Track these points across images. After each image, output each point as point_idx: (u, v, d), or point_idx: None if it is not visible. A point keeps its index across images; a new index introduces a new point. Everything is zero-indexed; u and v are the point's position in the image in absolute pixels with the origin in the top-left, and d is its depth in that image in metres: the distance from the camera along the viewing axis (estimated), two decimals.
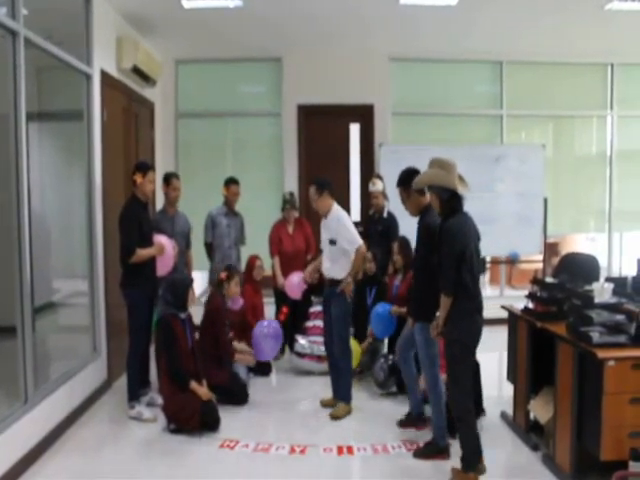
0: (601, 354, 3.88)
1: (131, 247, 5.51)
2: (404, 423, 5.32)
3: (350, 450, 4.93)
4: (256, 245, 7.40)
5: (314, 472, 4.61)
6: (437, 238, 4.38)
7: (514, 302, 5.64)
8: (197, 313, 5.94)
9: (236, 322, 6.48)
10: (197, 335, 5.86)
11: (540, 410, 4.81)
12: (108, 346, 6.42)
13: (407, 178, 4.82)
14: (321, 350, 6.46)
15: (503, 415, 5.54)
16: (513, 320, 5.37)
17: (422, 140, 8.99)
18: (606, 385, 3.88)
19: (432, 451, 4.76)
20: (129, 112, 7.44)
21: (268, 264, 7.30)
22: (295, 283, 6.84)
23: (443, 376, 4.76)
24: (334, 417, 5.60)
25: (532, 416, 5.03)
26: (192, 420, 5.19)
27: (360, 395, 6.11)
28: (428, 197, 4.69)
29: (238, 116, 9.18)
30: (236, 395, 5.98)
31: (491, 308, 6.60)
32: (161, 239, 5.87)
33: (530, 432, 5.02)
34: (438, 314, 4.39)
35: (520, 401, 5.16)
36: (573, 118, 9.63)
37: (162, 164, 8.53)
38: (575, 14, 7.32)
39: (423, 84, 9.38)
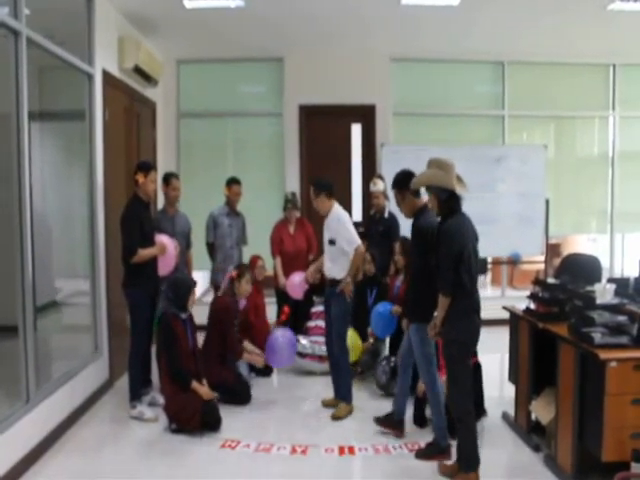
0: (603, 355, 3.87)
1: (133, 247, 5.51)
2: (381, 421, 5.26)
3: (351, 450, 4.93)
4: (257, 245, 7.40)
5: (315, 472, 4.61)
6: (432, 239, 4.44)
7: (515, 303, 5.66)
8: (199, 313, 5.93)
9: (238, 322, 6.48)
10: (202, 335, 5.86)
11: (542, 411, 4.81)
12: (110, 346, 6.43)
13: (402, 180, 4.86)
14: (323, 350, 6.45)
15: (505, 416, 5.54)
16: (515, 321, 5.37)
17: (423, 140, 8.98)
18: (608, 386, 3.87)
19: (434, 451, 4.76)
20: (131, 112, 7.44)
21: (270, 264, 7.30)
22: (296, 283, 6.83)
23: (443, 377, 4.76)
24: (335, 418, 5.60)
25: (534, 417, 5.02)
26: (193, 420, 5.19)
27: (361, 395, 6.12)
28: (422, 199, 4.78)
29: (240, 116, 9.18)
30: (239, 395, 5.99)
31: (493, 309, 6.67)
32: (163, 239, 5.88)
33: (532, 433, 5.01)
34: (436, 314, 4.39)
35: (522, 402, 5.16)
36: (575, 119, 9.62)
37: (164, 164, 8.54)
38: (577, 14, 7.31)
39: (425, 84, 9.37)
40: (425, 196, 4.63)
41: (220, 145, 9.33)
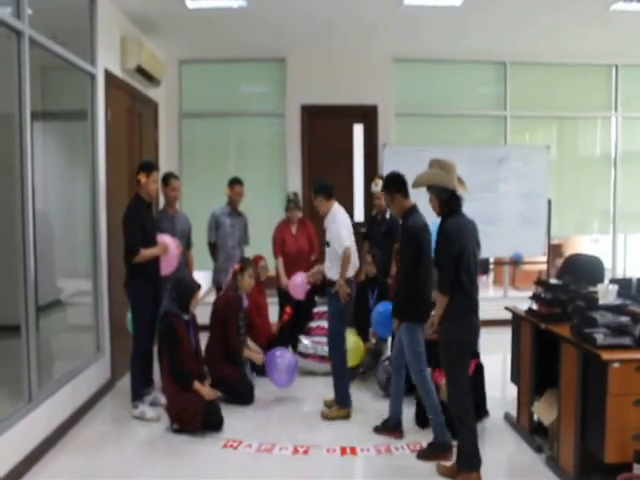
0: (606, 356, 3.87)
1: (135, 247, 5.52)
2: (380, 429, 5.27)
3: (353, 451, 4.93)
4: (259, 245, 7.39)
5: (317, 472, 4.62)
6: (421, 238, 4.75)
7: (518, 303, 5.64)
8: (201, 313, 5.94)
9: (243, 316, 6.47)
10: (204, 335, 5.87)
11: (544, 412, 4.80)
12: (111, 345, 6.44)
13: (392, 182, 5.04)
14: (324, 350, 6.45)
15: (507, 416, 5.54)
16: (517, 321, 5.36)
17: (426, 141, 8.97)
18: (610, 387, 3.87)
19: (435, 450, 4.77)
20: (133, 112, 7.45)
21: (272, 264, 7.29)
22: (299, 283, 6.82)
23: (443, 380, 4.79)
24: (324, 416, 5.64)
25: (536, 418, 5.02)
26: (195, 420, 5.19)
27: (363, 396, 6.12)
28: (411, 200, 4.96)
29: (242, 116, 9.18)
30: (242, 395, 6.00)
31: (495, 309, 6.67)
32: (165, 239, 5.88)
33: (534, 434, 5.01)
34: (434, 313, 4.44)
35: (524, 403, 5.15)
36: (577, 119, 9.61)
37: (166, 164, 8.53)
38: (579, 15, 7.31)
39: (427, 85, 9.37)
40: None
41: (222, 145, 9.33)
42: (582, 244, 10.95)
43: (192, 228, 6.74)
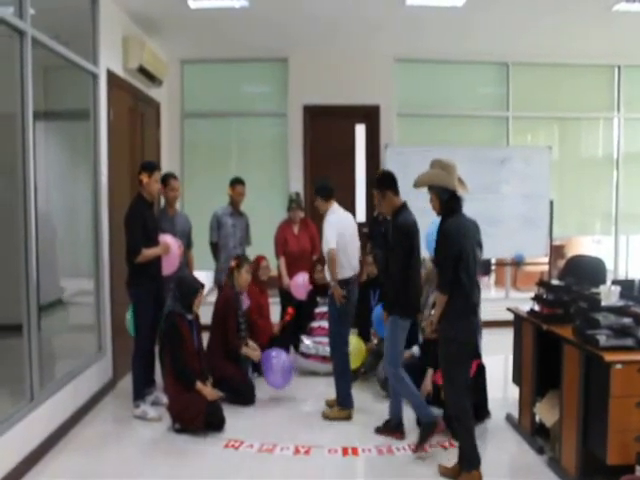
0: (608, 357, 3.86)
1: (137, 247, 5.52)
2: (381, 430, 5.27)
3: (355, 451, 4.93)
4: (261, 245, 7.39)
5: (319, 473, 4.62)
6: (412, 235, 4.93)
7: (519, 304, 5.64)
8: (203, 314, 5.92)
9: (242, 312, 6.46)
10: (207, 335, 5.87)
11: (546, 413, 4.80)
12: (113, 345, 6.44)
13: (382, 180, 5.14)
14: (326, 351, 6.46)
15: (509, 418, 5.53)
16: (519, 322, 5.36)
17: (428, 141, 8.96)
18: (613, 388, 3.86)
19: (426, 430, 4.90)
20: (135, 112, 7.45)
21: (274, 264, 7.29)
22: (300, 283, 6.83)
23: None
24: (324, 416, 5.66)
25: (538, 419, 5.01)
26: (197, 420, 5.19)
27: (365, 396, 6.12)
28: (401, 198, 5.08)
29: (244, 116, 9.17)
30: (243, 395, 5.99)
31: (496, 310, 6.66)
32: (167, 238, 5.88)
33: (536, 435, 5.00)
34: (433, 312, 4.49)
35: (526, 404, 5.14)
36: (579, 120, 9.60)
37: (167, 164, 8.54)
38: (582, 16, 7.30)
39: (429, 85, 9.36)
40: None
41: (224, 145, 9.32)
42: (584, 245, 10.93)
43: (192, 228, 6.74)
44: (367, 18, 7.42)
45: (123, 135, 6.91)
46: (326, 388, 6.20)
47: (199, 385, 5.32)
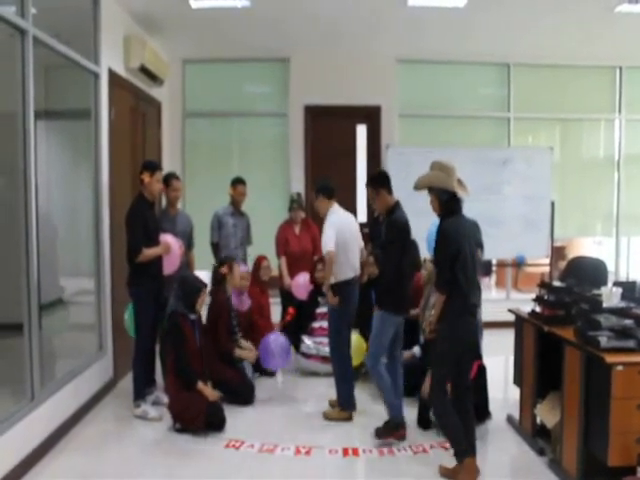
0: (609, 359, 3.85)
1: (138, 246, 5.52)
2: (381, 432, 5.22)
3: (355, 452, 4.92)
4: (262, 245, 7.39)
5: (319, 473, 4.61)
6: (405, 234, 5.06)
7: (520, 305, 5.63)
8: (204, 313, 5.93)
9: (243, 323, 6.48)
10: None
11: (547, 414, 4.79)
12: (114, 345, 6.44)
13: (376, 178, 5.28)
14: (326, 351, 6.43)
15: (509, 419, 5.53)
16: (520, 323, 5.35)
17: (429, 142, 8.97)
18: (614, 390, 3.85)
19: (391, 428, 5.07)
20: (136, 111, 7.44)
21: (275, 264, 7.28)
22: (301, 284, 6.84)
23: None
24: (325, 416, 5.66)
25: (538, 420, 5.00)
26: (197, 420, 5.19)
27: (365, 397, 6.11)
28: (394, 197, 5.18)
29: (245, 116, 9.18)
30: (242, 395, 5.98)
31: (497, 311, 6.65)
32: (167, 238, 5.88)
33: (536, 436, 4.99)
34: (432, 312, 4.59)
35: (526, 405, 5.14)
36: (581, 121, 9.60)
37: (169, 163, 8.53)
38: (584, 17, 7.31)
39: (430, 86, 9.37)
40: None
41: (225, 145, 9.32)
42: (585, 246, 10.93)
43: (194, 228, 6.73)
44: (369, 18, 7.42)
45: (124, 134, 6.91)
46: (327, 389, 6.20)
47: (200, 385, 5.32)
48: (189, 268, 6.58)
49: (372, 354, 5.14)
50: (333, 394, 5.76)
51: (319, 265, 6.92)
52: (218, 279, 6.29)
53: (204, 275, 7.36)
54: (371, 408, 5.82)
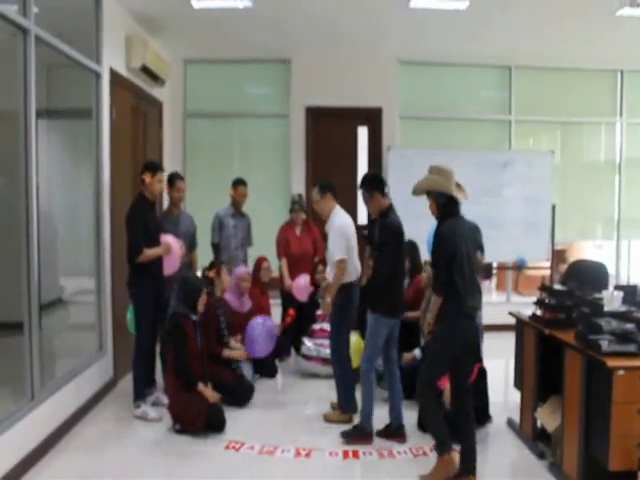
0: (611, 363, 3.84)
1: (138, 246, 5.51)
2: (382, 434, 5.26)
3: (356, 454, 4.91)
4: (262, 246, 7.38)
5: (319, 475, 4.60)
6: (399, 236, 5.11)
7: (521, 308, 5.62)
8: None
9: (244, 324, 6.45)
10: None
11: (547, 418, 4.78)
12: (114, 345, 6.43)
13: (370, 181, 5.28)
14: (327, 353, 6.43)
15: (510, 422, 5.51)
16: (520, 326, 5.35)
17: (430, 144, 8.99)
18: (615, 394, 3.83)
19: (358, 434, 5.13)
20: (138, 111, 7.44)
21: (275, 266, 7.28)
22: (302, 286, 6.83)
23: (446, 385, 4.89)
24: (325, 418, 5.65)
25: (539, 424, 4.99)
26: (197, 421, 5.18)
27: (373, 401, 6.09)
28: (388, 200, 5.22)
29: (246, 117, 9.18)
30: (239, 395, 5.96)
31: (498, 314, 6.65)
32: (168, 239, 5.86)
33: (537, 440, 4.98)
34: (429, 315, 4.60)
35: (527, 408, 5.13)
36: (582, 125, 9.60)
37: (170, 164, 8.52)
38: (585, 20, 7.30)
39: (432, 88, 9.38)
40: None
41: (226, 146, 9.32)
42: (585, 250, 10.92)
43: (197, 229, 6.72)
44: (370, 20, 7.41)
45: (125, 134, 6.91)
46: (327, 390, 6.20)
47: (201, 387, 5.31)
48: (192, 268, 6.57)
49: (367, 357, 5.16)
50: (334, 396, 5.75)
51: (320, 267, 6.91)
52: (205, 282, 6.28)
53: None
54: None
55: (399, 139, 9.13)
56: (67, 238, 6.29)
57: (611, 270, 8.21)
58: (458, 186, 4.48)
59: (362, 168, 9.17)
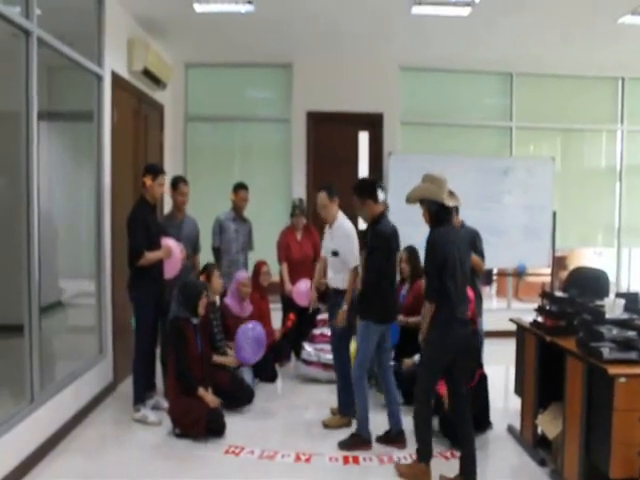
0: (612, 370, 3.83)
1: (139, 249, 5.51)
2: (382, 440, 5.25)
3: (356, 460, 4.90)
4: (263, 251, 7.37)
5: None
6: (390, 243, 5.06)
7: (521, 315, 5.63)
8: None
9: (219, 315, 6.40)
10: None
11: (548, 425, 4.77)
12: (114, 348, 6.41)
13: (363, 187, 5.23)
14: (327, 358, 6.46)
15: (510, 429, 5.50)
16: (521, 333, 5.34)
17: (431, 150, 9.00)
18: (616, 402, 3.82)
19: (356, 442, 5.11)
20: (139, 114, 7.44)
21: (276, 270, 7.27)
22: (303, 290, 6.81)
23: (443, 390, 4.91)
24: (325, 425, 5.63)
25: (540, 430, 4.98)
26: (197, 425, 5.16)
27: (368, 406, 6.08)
28: (380, 206, 5.14)
29: (247, 121, 9.18)
30: (237, 398, 5.94)
31: (498, 320, 6.63)
32: (169, 242, 5.86)
33: (537, 447, 4.96)
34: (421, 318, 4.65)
35: (528, 415, 5.12)
36: (583, 132, 9.61)
37: (170, 167, 8.51)
38: (587, 28, 7.32)
39: (433, 94, 9.39)
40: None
41: (227, 150, 9.32)
42: (585, 257, 10.92)
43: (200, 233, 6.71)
44: (372, 25, 7.42)
45: (127, 137, 6.91)
46: (327, 395, 6.20)
47: (201, 391, 5.30)
48: (195, 272, 6.55)
49: (359, 364, 5.15)
50: (334, 401, 5.74)
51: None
52: None
53: None
54: (372, 418, 5.74)
55: (400, 145, 9.13)
56: (68, 240, 6.28)
57: (611, 278, 8.21)
58: (451, 194, 4.53)
59: (363, 173, 9.17)
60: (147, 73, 7.20)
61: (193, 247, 6.53)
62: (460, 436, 4.48)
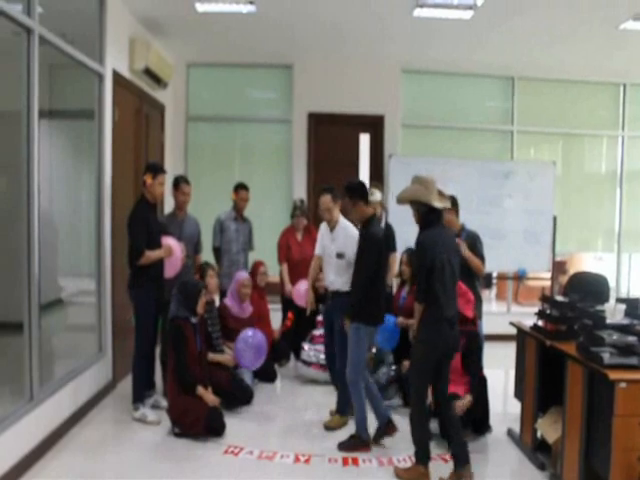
0: (612, 375, 3.82)
1: (140, 248, 5.50)
2: (376, 438, 5.25)
3: (355, 461, 4.89)
4: (263, 251, 7.39)
5: None
6: (381, 245, 5.08)
7: (521, 318, 5.62)
8: None
9: (217, 314, 6.40)
10: None
11: (548, 429, 4.76)
12: (113, 346, 6.40)
13: (355, 189, 5.24)
14: None
15: (510, 432, 5.48)
16: (522, 337, 5.33)
17: (432, 153, 9.00)
18: (617, 407, 3.81)
19: (355, 443, 5.11)
20: (140, 113, 7.43)
21: (276, 270, 7.27)
22: (303, 291, 6.80)
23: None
24: (325, 427, 5.60)
25: (539, 435, 4.96)
26: (197, 425, 5.16)
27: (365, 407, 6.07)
28: (371, 208, 5.27)
29: (248, 121, 9.18)
30: (238, 399, 5.94)
31: (498, 324, 6.63)
32: (169, 241, 5.85)
33: (537, 451, 4.95)
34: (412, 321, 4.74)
35: (527, 419, 5.10)
36: (584, 137, 9.61)
37: (171, 166, 8.52)
38: (589, 33, 7.33)
39: (434, 97, 9.39)
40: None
41: (228, 150, 9.31)
42: (585, 262, 10.92)
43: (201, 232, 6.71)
44: (374, 27, 7.42)
45: (128, 136, 6.90)
46: (326, 396, 6.21)
47: (200, 390, 5.29)
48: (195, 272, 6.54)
49: (353, 368, 5.11)
50: (333, 402, 5.73)
51: (320, 274, 6.88)
52: None
53: None
54: (371, 419, 5.73)
55: (401, 147, 9.14)
56: (68, 239, 6.27)
57: (611, 283, 8.21)
58: (440, 194, 4.56)
59: (364, 175, 9.16)
60: (148, 72, 7.20)
61: (194, 247, 6.54)
62: (448, 435, 4.58)
